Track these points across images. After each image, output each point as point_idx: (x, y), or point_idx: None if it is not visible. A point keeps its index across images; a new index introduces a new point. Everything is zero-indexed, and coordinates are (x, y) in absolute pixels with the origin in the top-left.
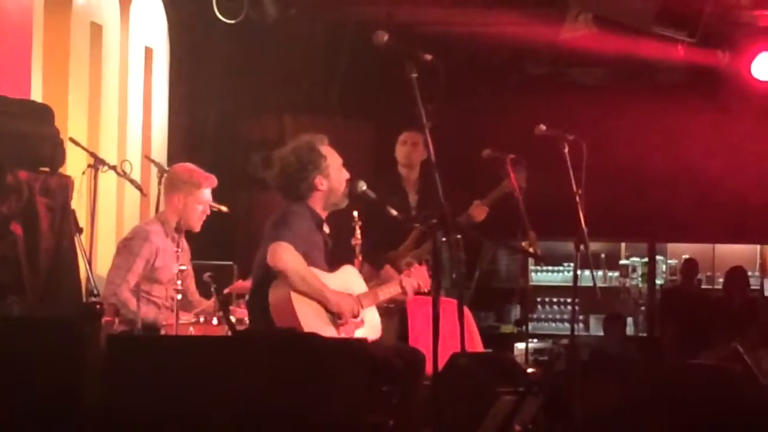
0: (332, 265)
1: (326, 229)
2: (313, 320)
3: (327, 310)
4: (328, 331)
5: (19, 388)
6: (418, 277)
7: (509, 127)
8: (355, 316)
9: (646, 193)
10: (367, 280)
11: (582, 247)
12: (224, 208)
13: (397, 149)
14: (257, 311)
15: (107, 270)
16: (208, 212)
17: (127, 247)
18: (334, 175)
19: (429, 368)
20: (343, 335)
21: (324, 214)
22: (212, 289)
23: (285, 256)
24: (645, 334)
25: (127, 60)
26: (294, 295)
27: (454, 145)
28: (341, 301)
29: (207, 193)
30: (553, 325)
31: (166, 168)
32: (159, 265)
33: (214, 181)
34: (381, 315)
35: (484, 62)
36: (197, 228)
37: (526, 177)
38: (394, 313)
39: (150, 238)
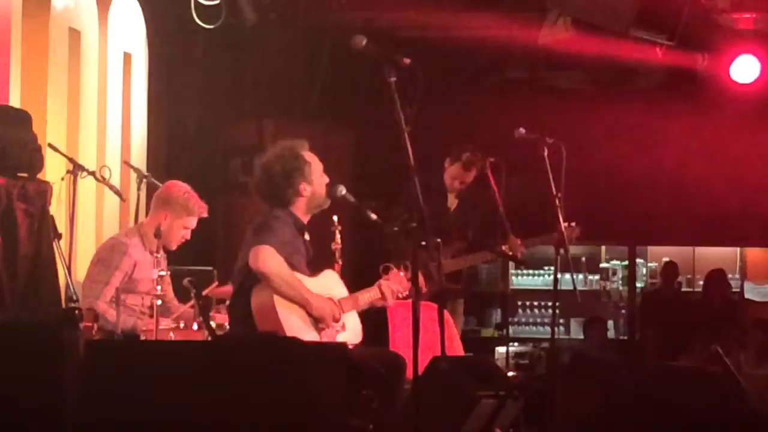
0: (313, 269)
1: (307, 236)
2: (295, 324)
3: (309, 314)
4: (310, 334)
5: None
6: (396, 282)
7: (488, 131)
8: (336, 320)
9: (626, 196)
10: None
11: (562, 250)
12: (204, 214)
13: (450, 176)
14: (238, 316)
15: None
16: (188, 237)
17: (104, 260)
18: (316, 180)
19: (409, 372)
20: (325, 340)
21: (306, 219)
22: (192, 294)
23: (267, 259)
24: (626, 337)
25: (106, 65)
26: (277, 299)
27: (433, 148)
28: (323, 305)
29: (195, 221)
30: (534, 328)
31: (146, 173)
32: (137, 277)
33: (206, 210)
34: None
35: (463, 66)
36: (173, 248)
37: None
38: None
39: (128, 252)
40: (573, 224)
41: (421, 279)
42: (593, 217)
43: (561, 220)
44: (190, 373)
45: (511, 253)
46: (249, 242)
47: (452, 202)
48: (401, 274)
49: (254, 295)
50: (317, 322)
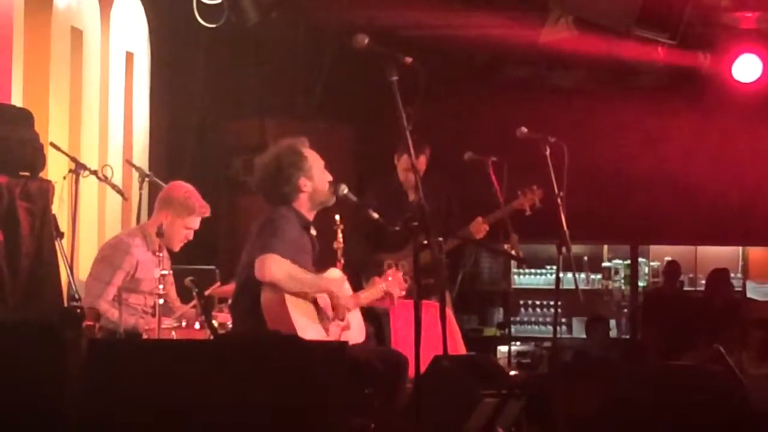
0: (316, 268)
1: (313, 231)
2: (304, 321)
3: (318, 309)
4: (318, 331)
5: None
6: (395, 281)
7: (490, 130)
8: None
9: (628, 195)
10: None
11: (564, 249)
12: (206, 214)
13: (401, 170)
14: (241, 314)
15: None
16: (191, 238)
17: (106, 259)
18: (317, 176)
19: (411, 371)
20: (331, 337)
21: (311, 216)
22: (194, 293)
23: (272, 268)
24: (628, 337)
25: (108, 64)
26: (288, 297)
27: (435, 148)
28: (336, 285)
29: (197, 221)
30: (536, 327)
31: (148, 172)
32: (139, 276)
33: (207, 210)
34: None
35: (465, 65)
36: (176, 249)
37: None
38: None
39: (131, 251)
40: (535, 187)
41: (400, 277)
42: (595, 216)
43: (563, 219)
44: (191, 372)
45: (513, 252)
46: (253, 246)
47: (412, 195)
48: (399, 274)
49: (264, 293)
50: (325, 316)
